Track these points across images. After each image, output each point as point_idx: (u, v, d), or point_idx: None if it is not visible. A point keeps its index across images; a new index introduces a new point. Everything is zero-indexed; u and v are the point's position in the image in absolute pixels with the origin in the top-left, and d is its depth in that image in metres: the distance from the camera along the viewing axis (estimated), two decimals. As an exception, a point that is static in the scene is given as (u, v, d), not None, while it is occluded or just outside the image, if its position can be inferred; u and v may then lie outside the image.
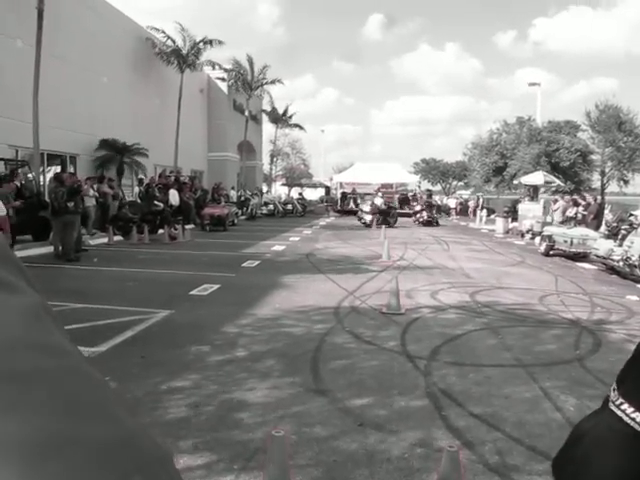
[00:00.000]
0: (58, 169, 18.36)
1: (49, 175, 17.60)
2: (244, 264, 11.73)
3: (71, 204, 11.99)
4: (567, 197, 20.79)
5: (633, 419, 0.75)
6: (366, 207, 25.45)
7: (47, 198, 13.83)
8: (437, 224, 26.48)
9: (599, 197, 23.03)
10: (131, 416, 0.38)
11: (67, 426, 0.32)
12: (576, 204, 19.19)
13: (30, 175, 15.07)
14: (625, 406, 0.77)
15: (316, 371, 5.04)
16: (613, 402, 0.79)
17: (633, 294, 9.28)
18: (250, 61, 33.56)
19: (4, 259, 0.41)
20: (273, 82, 34.96)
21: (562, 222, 17.19)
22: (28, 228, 13.02)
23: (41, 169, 16.94)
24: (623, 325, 7.07)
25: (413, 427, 3.89)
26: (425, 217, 26.37)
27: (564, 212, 18.23)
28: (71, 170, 18.47)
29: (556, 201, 20.08)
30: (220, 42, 27.14)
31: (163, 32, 25.64)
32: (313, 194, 46.18)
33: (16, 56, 16.03)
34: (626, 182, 32.30)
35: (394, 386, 4.69)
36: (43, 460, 0.30)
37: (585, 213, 18.34)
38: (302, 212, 32.50)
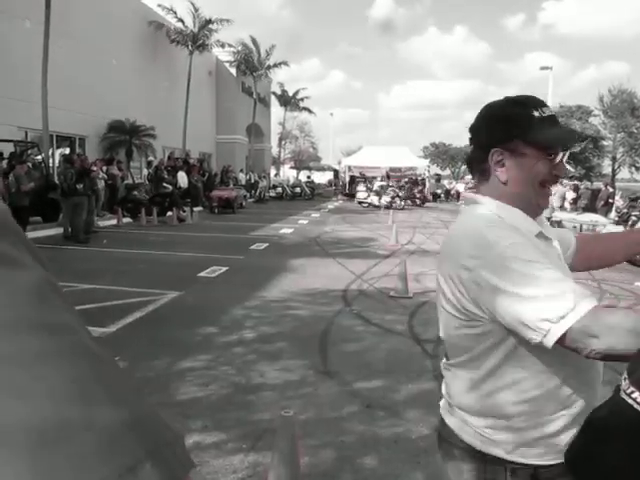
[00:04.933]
0: (67, 151, 18.40)
1: (58, 157, 17.65)
2: (252, 247, 11.75)
3: (80, 185, 12.03)
4: (565, 182, 20.72)
5: None
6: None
7: (56, 180, 13.88)
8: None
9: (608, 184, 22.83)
10: (142, 398, 0.37)
11: (77, 411, 0.31)
12: (576, 189, 19.11)
13: (39, 157, 15.09)
14: (636, 394, 0.78)
15: (325, 353, 5.06)
16: (624, 391, 0.80)
17: (642, 280, 9.23)
18: (254, 42, 33.33)
19: (4, 231, 0.38)
20: (279, 65, 34.75)
21: (560, 207, 17.16)
22: (38, 210, 13.07)
23: (50, 151, 16.96)
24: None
25: (420, 409, 3.91)
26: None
27: (563, 197, 18.14)
28: (79, 152, 18.51)
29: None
30: (229, 21, 26.96)
31: (174, 12, 25.48)
32: (322, 177, 46.07)
33: (25, 37, 16.00)
34: (638, 168, 32.01)
35: (402, 369, 4.71)
36: (53, 447, 0.29)
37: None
38: (310, 195, 32.46)
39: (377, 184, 29.69)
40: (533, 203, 1.36)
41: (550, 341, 1.09)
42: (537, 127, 1.29)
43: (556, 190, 18.72)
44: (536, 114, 1.31)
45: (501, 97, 1.42)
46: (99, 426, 0.32)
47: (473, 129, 1.42)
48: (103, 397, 0.34)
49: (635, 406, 0.78)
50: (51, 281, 0.39)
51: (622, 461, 0.80)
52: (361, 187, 29.48)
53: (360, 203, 26.84)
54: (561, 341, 1.07)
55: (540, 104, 1.34)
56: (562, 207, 17.09)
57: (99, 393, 0.34)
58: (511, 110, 1.33)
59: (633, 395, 0.79)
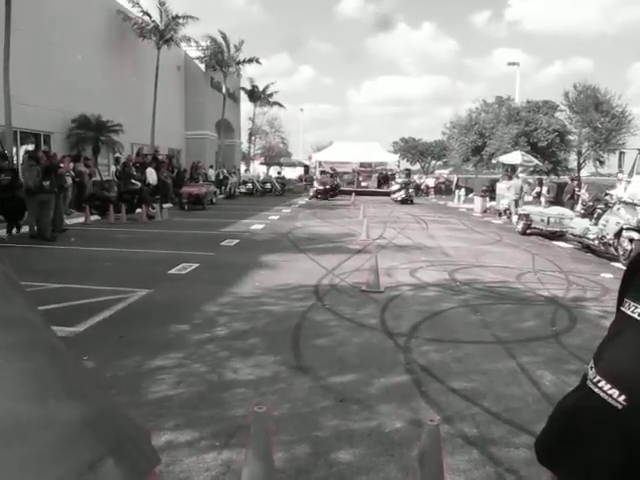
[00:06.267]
0: (32, 147, 17.99)
1: (22, 153, 17.24)
2: (223, 243, 11.67)
3: (47, 183, 11.76)
4: (522, 175, 21.28)
5: (610, 395, 0.77)
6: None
7: (21, 177, 13.53)
8: (412, 202, 27.00)
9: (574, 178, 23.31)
10: (104, 394, 0.37)
11: (35, 408, 0.30)
12: (540, 183, 19.50)
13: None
14: (602, 383, 0.79)
15: (297, 349, 5.06)
16: (591, 380, 0.81)
17: (607, 272, 9.44)
18: (224, 37, 33.06)
19: None
20: (250, 61, 34.54)
21: (516, 200, 17.59)
22: (2, 208, 12.74)
23: (14, 148, 16.56)
24: (598, 302, 7.20)
25: (393, 403, 3.94)
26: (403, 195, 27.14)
27: (519, 191, 18.52)
28: (45, 148, 18.11)
29: (510, 179, 20.52)
30: (195, 18, 26.73)
31: (140, 6, 25.11)
32: (292, 173, 45.98)
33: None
34: (602, 162, 32.65)
35: (374, 363, 4.73)
36: (8, 446, 0.28)
37: (546, 194, 18.59)
38: (281, 191, 32.38)
39: (401, 180, 29.98)
40: None
41: None
42: None
43: (512, 183, 19.10)
44: None
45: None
46: (58, 423, 0.31)
47: None
48: (62, 393, 0.33)
49: (601, 395, 0.79)
50: (10, 276, 0.37)
51: (588, 451, 0.81)
52: (395, 185, 29.47)
53: (403, 202, 26.72)
54: None
55: None
56: (519, 200, 17.49)
57: (58, 389, 0.33)
58: None
59: (599, 384, 0.81)
